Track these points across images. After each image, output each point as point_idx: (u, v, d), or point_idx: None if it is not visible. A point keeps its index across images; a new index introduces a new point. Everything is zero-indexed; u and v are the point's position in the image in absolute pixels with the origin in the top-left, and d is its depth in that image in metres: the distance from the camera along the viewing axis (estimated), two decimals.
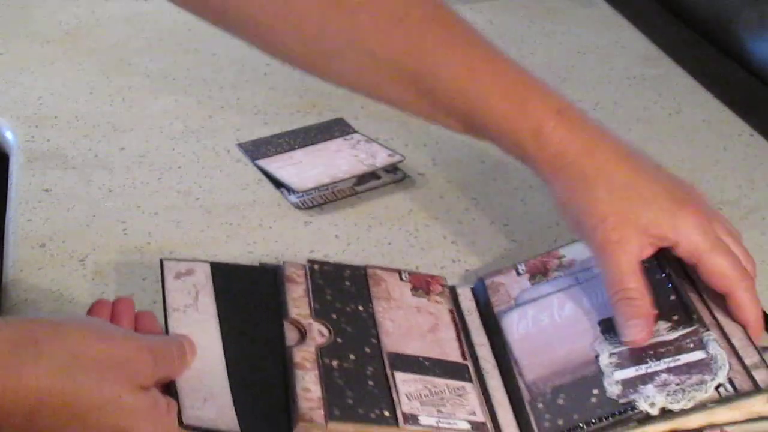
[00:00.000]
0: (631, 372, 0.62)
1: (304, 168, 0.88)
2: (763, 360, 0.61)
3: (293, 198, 0.85)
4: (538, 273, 0.72)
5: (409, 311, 0.69)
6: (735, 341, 0.63)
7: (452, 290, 0.73)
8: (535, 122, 0.66)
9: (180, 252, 0.77)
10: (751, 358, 0.61)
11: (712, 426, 0.60)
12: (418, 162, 0.91)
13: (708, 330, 0.63)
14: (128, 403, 0.54)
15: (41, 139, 0.91)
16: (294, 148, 0.91)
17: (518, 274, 0.73)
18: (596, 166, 0.65)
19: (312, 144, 0.91)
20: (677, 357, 0.62)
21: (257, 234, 0.80)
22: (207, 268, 0.68)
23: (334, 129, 0.94)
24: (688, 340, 0.63)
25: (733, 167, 0.93)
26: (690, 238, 0.64)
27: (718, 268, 0.64)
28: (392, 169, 0.89)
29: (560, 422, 0.61)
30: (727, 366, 0.60)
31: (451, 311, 0.70)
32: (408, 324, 0.68)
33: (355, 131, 0.93)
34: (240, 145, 0.92)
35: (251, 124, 0.94)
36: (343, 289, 0.69)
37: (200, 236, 0.80)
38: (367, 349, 0.65)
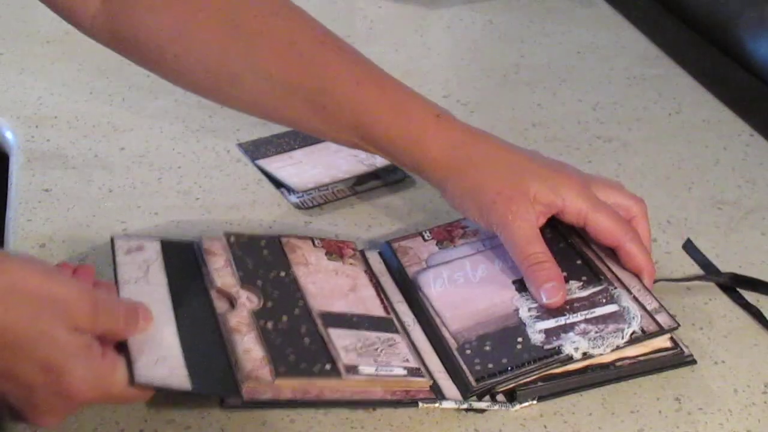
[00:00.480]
0: (551, 323, 0.68)
1: (304, 168, 0.88)
2: (662, 305, 0.69)
3: (293, 198, 0.85)
4: (445, 240, 0.76)
5: (328, 274, 0.72)
6: (634, 291, 0.70)
7: (362, 254, 0.76)
8: (419, 128, 0.73)
9: None
10: (651, 304, 0.69)
11: (622, 359, 0.68)
12: None
13: (615, 287, 0.70)
14: (61, 339, 0.55)
15: (41, 139, 0.91)
16: (294, 148, 0.91)
17: (424, 240, 0.77)
18: (480, 152, 0.72)
19: (312, 144, 0.91)
20: (592, 310, 0.69)
21: None
22: (157, 245, 0.71)
23: None
24: (600, 296, 0.70)
25: (733, 167, 0.93)
26: (573, 203, 0.71)
27: (602, 225, 0.71)
28: (392, 169, 0.89)
29: (490, 366, 0.66)
30: (639, 315, 0.68)
31: (366, 272, 0.74)
32: (329, 285, 0.71)
33: None
34: (240, 145, 0.92)
35: (251, 124, 0.94)
36: (262, 258, 0.72)
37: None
38: (297, 311, 0.68)
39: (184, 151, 0.91)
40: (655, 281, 0.74)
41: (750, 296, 0.77)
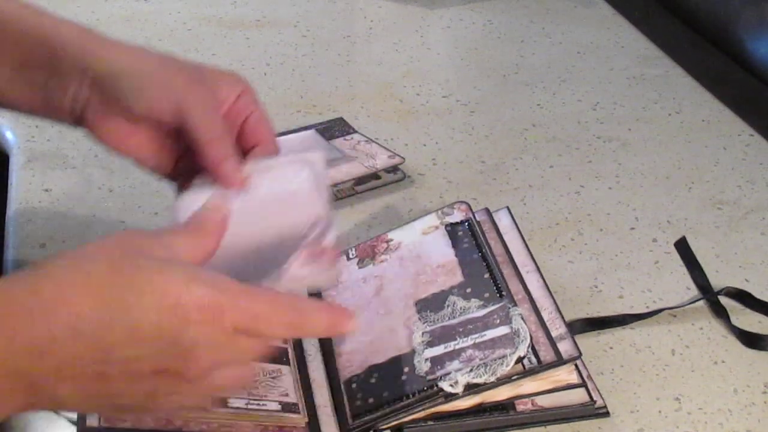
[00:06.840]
0: (440, 349, 0.64)
1: None
2: (569, 331, 0.64)
3: None
4: (367, 257, 0.74)
5: None
6: (545, 314, 0.66)
7: None
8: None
9: None
10: (558, 329, 0.65)
11: (520, 397, 0.63)
12: (418, 162, 0.91)
13: (515, 305, 0.65)
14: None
15: (41, 139, 0.91)
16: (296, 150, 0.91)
17: (348, 258, 0.75)
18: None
19: (312, 147, 0.91)
20: (484, 333, 0.64)
21: None
22: None
23: (334, 129, 0.94)
24: (495, 316, 0.65)
25: (733, 167, 0.93)
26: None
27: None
28: (392, 169, 0.89)
29: (371, 400, 0.63)
30: (528, 340, 0.62)
31: None
32: None
33: (355, 131, 0.93)
34: None
35: None
36: None
37: None
38: None
39: None
40: (658, 311, 0.74)
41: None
